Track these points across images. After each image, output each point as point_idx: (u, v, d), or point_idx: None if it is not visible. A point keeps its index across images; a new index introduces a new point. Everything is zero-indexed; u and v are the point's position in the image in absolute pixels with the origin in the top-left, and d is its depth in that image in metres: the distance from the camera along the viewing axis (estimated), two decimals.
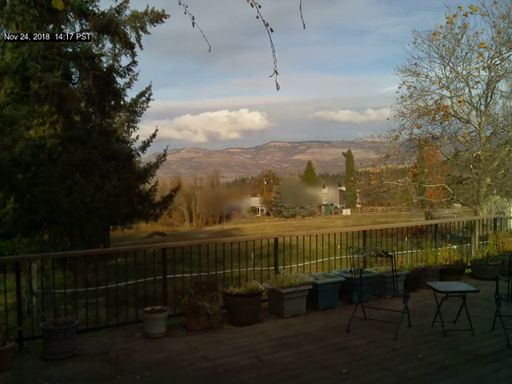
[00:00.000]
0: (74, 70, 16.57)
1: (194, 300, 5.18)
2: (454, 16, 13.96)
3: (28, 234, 14.11)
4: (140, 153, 18.32)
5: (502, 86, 14.83)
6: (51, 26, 14.95)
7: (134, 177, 16.88)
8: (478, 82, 14.66)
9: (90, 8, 15.77)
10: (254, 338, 5.01)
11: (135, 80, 17.15)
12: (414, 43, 14.78)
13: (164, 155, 18.80)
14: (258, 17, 2.67)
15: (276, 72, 2.88)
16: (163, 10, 16.25)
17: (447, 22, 14.19)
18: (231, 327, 5.39)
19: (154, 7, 16.15)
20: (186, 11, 2.88)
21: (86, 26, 15.89)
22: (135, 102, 17.63)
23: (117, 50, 16.34)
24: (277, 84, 2.97)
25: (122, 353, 4.66)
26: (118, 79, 16.96)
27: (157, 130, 18.70)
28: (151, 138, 18.35)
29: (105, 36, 16.03)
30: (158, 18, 16.24)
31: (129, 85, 17.19)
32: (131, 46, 16.46)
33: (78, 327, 4.77)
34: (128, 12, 16.03)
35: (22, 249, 11.96)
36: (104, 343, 4.97)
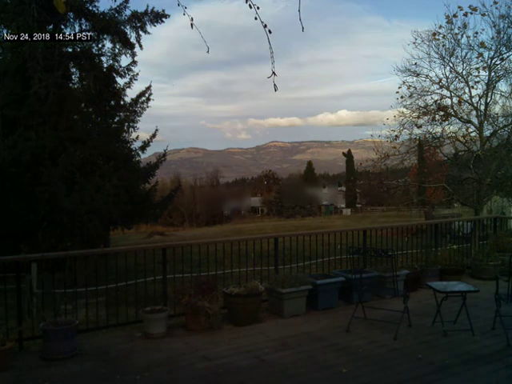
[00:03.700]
0: (74, 70, 16.56)
1: (194, 300, 5.18)
2: (454, 16, 13.97)
3: (28, 234, 14.09)
4: (140, 153, 18.27)
5: (502, 85, 14.92)
6: (51, 26, 14.95)
7: (134, 177, 16.85)
8: (478, 82, 14.69)
9: (90, 8, 15.79)
10: (254, 338, 5.01)
11: (135, 80, 17.14)
12: (414, 43, 14.82)
13: (164, 155, 18.74)
14: (256, 18, 2.67)
15: (274, 73, 2.88)
16: (163, 10, 16.28)
17: (447, 22, 14.22)
18: (231, 327, 5.39)
19: (154, 7, 16.18)
20: (185, 12, 2.88)
21: (85, 25, 15.91)
22: (135, 101, 17.60)
23: (117, 50, 16.35)
24: (274, 85, 2.97)
25: (122, 353, 4.66)
26: (118, 79, 16.97)
27: (157, 129, 18.67)
28: (151, 137, 18.32)
29: (105, 36, 16.04)
30: (158, 17, 16.25)
31: (129, 85, 17.18)
32: (131, 46, 16.46)
33: (77, 327, 4.77)
34: (128, 12, 16.04)
35: (22, 249, 11.94)
36: (104, 343, 4.97)
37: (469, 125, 15.39)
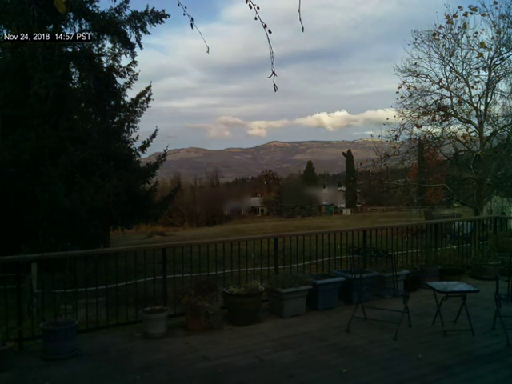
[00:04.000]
0: (74, 70, 16.57)
1: (194, 300, 5.18)
2: (454, 16, 13.98)
3: (28, 234, 14.09)
4: (140, 153, 18.28)
5: (502, 85, 14.91)
6: (51, 26, 14.95)
7: (134, 177, 16.85)
8: (478, 82, 14.68)
9: (90, 8, 15.80)
10: (254, 338, 5.01)
11: (135, 80, 17.16)
12: (414, 43, 14.82)
13: (164, 155, 18.75)
14: (256, 18, 2.67)
15: (274, 73, 2.88)
16: (163, 10, 16.30)
17: (447, 22, 14.22)
18: (231, 327, 5.39)
19: (154, 7, 16.19)
20: (185, 12, 2.88)
21: (85, 25, 15.91)
22: (135, 101, 17.61)
23: (117, 50, 16.36)
24: (274, 85, 2.97)
25: (122, 353, 4.66)
26: (118, 79, 16.98)
27: (157, 129, 18.68)
28: (151, 137, 18.33)
29: (105, 36, 16.05)
30: (158, 17, 16.26)
31: (129, 85, 17.19)
32: (131, 46, 16.47)
33: (77, 327, 4.77)
34: (128, 12, 16.06)
35: (22, 249, 11.93)
36: (104, 343, 4.97)
37: (469, 125, 15.40)
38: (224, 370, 4.15)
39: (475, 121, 15.14)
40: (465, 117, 15.20)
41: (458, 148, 16.30)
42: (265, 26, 2.75)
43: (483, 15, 13.69)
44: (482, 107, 14.90)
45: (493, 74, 14.39)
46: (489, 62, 14.20)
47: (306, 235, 6.96)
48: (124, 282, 6.00)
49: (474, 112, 15.12)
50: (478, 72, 14.42)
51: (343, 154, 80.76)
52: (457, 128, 15.56)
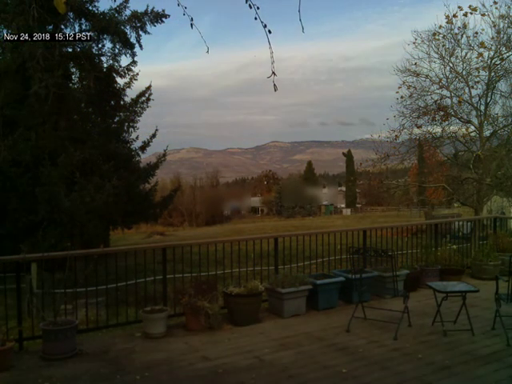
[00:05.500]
0: (74, 70, 16.59)
1: (194, 300, 5.18)
2: (454, 16, 13.95)
3: (28, 234, 14.09)
4: (140, 153, 18.29)
5: (502, 85, 14.83)
6: (51, 26, 14.96)
7: (134, 177, 16.86)
8: (478, 82, 14.66)
9: (90, 8, 15.82)
10: (254, 338, 5.02)
11: (135, 80, 17.17)
12: (414, 43, 14.80)
13: (164, 155, 18.78)
14: (256, 18, 2.67)
15: (274, 73, 2.88)
16: (163, 10, 16.32)
17: (447, 22, 14.19)
18: (231, 327, 5.39)
19: (154, 7, 16.21)
20: (185, 12, 2.88)
21: (85, 25, 15.94)
22: (135, 101, 17.62)
23: (117, 50, 16.39)
24: (274, 85, 2.97)
25: (122, 353, 4.66)
26: (118, 79, 17.00)
27: (157, 129, 18.69)
28: (151, 137, 18.34)
29: (105, 36, 16.07)
30: (157, 17, 16.28)
31: (129, 85, 17.20)
32: (131, 46, 16.50)
33: (77, 327, 4.77)
34: (128, 12, 16.10)
35: (22, 249, 11.94)
36: (104, 343, 4.97)
37: (469, 125, 15.38)
38: (224, 370, 4.15)
39: (475, 121, 15.12)
40: (465, 117, 15.19)
41: (457, 148, 16.29)
42: (265, 26, 2.75)
43: (483, 15, 13.67)
44: (482, 107, 14.89)
45: (493, 74, 14.36)
46: (489, 62, 14.18)
47: (305, 235, 6.96)
48: (124, 282, 5.99)
49: (473, 112, 15.10)
50: (478, 72, 14.40)
51: (343, 154, 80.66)
52: (457, 128, 15.55)
